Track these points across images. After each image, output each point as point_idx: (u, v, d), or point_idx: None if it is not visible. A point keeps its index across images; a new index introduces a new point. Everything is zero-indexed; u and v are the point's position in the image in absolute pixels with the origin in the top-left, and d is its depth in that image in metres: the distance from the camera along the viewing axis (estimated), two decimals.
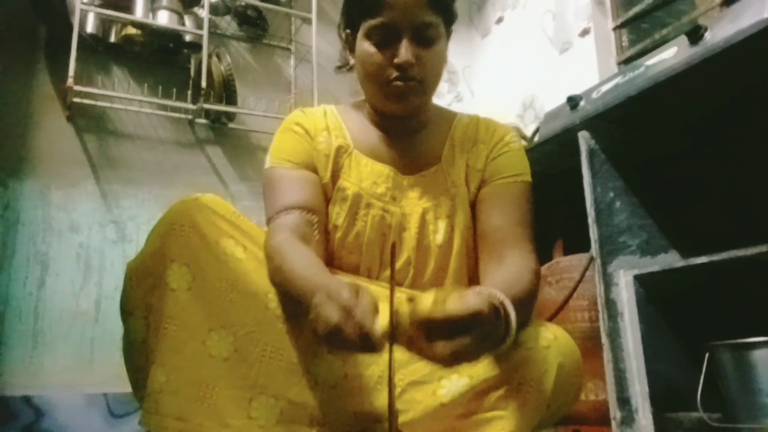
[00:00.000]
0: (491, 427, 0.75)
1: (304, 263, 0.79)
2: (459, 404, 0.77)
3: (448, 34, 0.98)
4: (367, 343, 0.62)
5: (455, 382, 0.77)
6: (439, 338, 0.60)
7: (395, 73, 0.90)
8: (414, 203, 0.94)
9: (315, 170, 0.96)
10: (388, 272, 0.90)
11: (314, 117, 1.00)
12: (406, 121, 0.99)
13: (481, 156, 0.98)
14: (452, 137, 1.00)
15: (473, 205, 0.97)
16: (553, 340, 0.77)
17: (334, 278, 0.75)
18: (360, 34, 0.93)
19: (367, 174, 0.95)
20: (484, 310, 0.60)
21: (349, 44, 0.98)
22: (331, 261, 0.94)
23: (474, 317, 0.60)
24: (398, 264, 0.90)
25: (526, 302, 0.79)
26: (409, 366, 0.78)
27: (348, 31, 0.98)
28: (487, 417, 0.75)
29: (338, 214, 0.93)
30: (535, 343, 0.76)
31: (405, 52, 0.88)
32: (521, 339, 0.76)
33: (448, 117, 1.04)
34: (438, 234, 0.92)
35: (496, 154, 0.98)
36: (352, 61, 0.99)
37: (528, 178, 0.98)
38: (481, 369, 0.76)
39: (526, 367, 0.75)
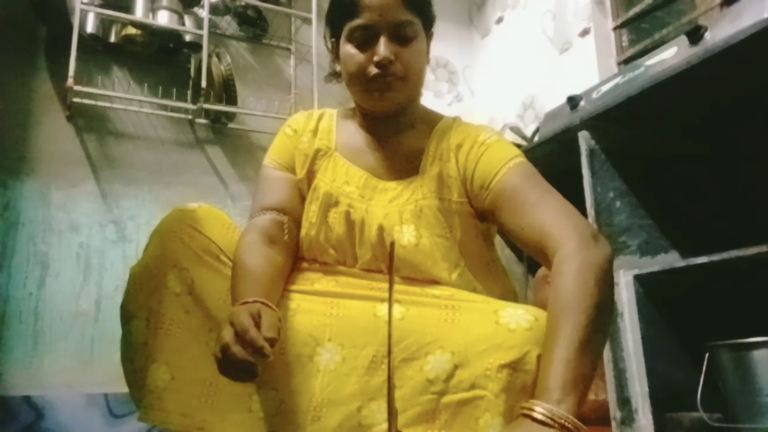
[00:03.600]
0: (474, 407, 0.75)
1: (251, 276, 0.85)
2: (442, 380, 0.78)
3: (429, 34, 1.01)
4: (247, 368, 0.69)
5: (439, 357, 0.79)
6: None
7: (375, 70, 0.93)
8: (382, 204, 0.95)
9: (294, 170, 1.01)
10: (359, 264, 0.94)
11: (307, 119, 1.06)
12: (391, 121, 1.01)
13: (454, 164, 0.97)
14: (429, 146, 1.00)
15: (474, 214, 0.96)
16: (534, 322, 0.78)
17: (250, 298, 0.79)
18: (342, 39, 0.97)
19: (341, 174, 0.98)
20: None
21: (335, 51, 1.02)
22: (312, 252, 0.97)
23: None
24: (365, 260, 0.93)
25: (603, 307, 0.74)
26: (402, 343, 0.80)
27: (333, 39, 1.02)
28: (468, 396, 0.76)
29: (313, 212, 0.97)
30: (516, 326, 0.77)
31: (383, 49, 0.92)
32: (503, 321, 0.78)
33: (431, 121, 1.04)
34: (403, 236, 0.92)
35: (476, 157, 0.95)
36: (339, 68, 1.02)
37: (522, 157, 0.95)
38: (463, 344, 0.78)
39: (508, 350, 0.76)
